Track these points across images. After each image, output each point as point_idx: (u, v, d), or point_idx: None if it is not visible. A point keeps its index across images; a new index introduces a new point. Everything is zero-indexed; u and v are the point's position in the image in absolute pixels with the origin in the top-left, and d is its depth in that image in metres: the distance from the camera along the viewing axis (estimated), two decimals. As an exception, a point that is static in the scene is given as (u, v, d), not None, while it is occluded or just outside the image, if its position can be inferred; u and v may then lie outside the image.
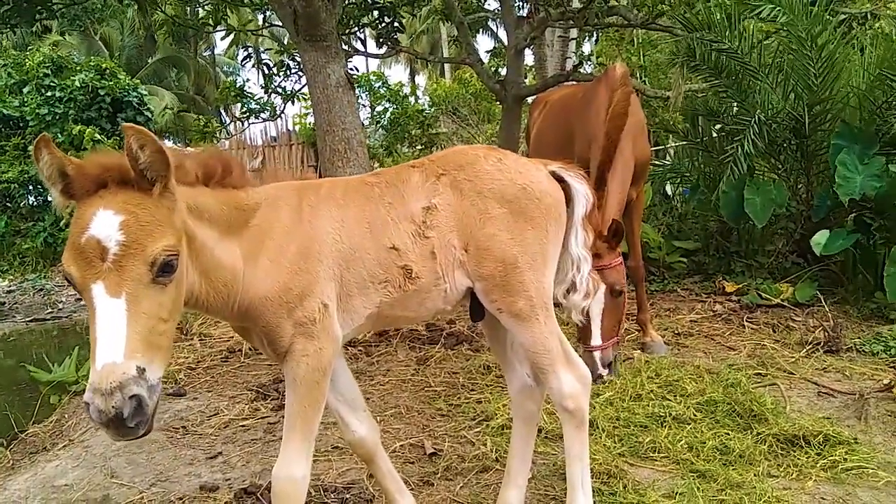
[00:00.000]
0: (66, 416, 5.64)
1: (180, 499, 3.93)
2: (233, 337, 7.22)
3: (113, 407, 1.87)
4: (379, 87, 19.99)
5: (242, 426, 4.93)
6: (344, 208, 2.77)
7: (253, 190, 2.70)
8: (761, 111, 7.42)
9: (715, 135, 8.89)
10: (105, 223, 2.01)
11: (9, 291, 16.38)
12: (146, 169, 2.09)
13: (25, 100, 18.53)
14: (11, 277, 17.37)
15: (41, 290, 16.41)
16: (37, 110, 18.00)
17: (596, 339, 4.45)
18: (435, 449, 4.31)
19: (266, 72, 14.55)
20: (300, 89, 14.03)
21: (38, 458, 4.91)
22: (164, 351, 2.10)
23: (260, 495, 3.84)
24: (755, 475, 3.68)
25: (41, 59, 18.73)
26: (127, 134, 2.03)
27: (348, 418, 3.01)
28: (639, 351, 5.82)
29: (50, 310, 14.79)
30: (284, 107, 14.61)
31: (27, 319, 14.11)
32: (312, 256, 2.63)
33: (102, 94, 18.28)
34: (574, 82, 9.40)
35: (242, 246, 2.56)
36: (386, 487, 3.14)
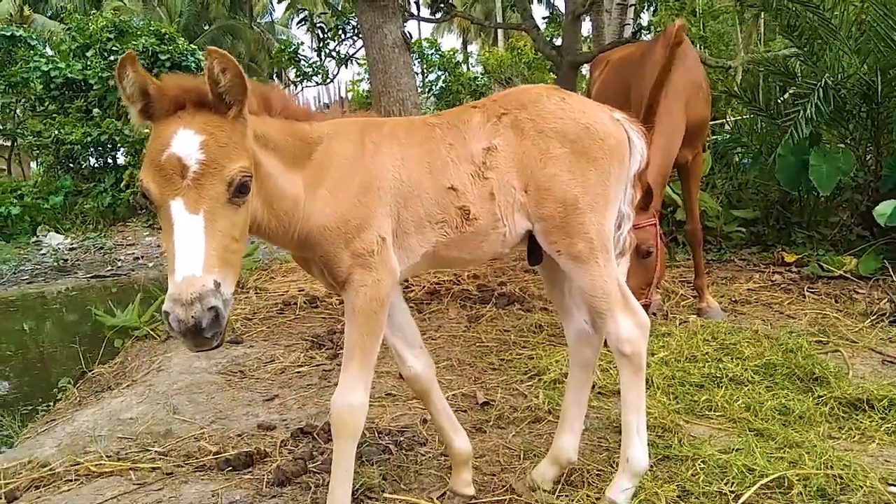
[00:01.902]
0: (130, 358, 5.85)
1: (239, 435, 4.05)
2: (287, 291, 7.37)
3: (193, 317, 1.95)
4: (431, 55, 19.89)
5: (298, 372, 5.04)
6: (405, 147, 2.77)
7: (317, 124, 2.73)
8: (830, 74, 7.14)
9: (780, 101, 8.59)
10: (186, 142, 2.06)
11: (71, 249, 17.03)
12: (225, 92, 2.13)
13: (89, 63, 19.02)
14: (74, 236, 18.04)
15: (101, 248, 17.03)
16: (100, 73, 18.48)
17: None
18: (487, 399, 4.34)
19: (321, 35, 14.63)
20: (354, 53, 14.09)
21: (103, 396, 5.11)
22: (235, 269, 2.16)
23: (316, 435, 3.93)
24: (815, 436, 3.60)
25: (104, 23, 19.20)
26: (210, 56, 2.07)
27: (405, 353, 3.04)
28: (694, 316, 5.73)
29: (109, 267, 15.36)
30: (338, 71, 14.69)
31: (88, 276, 14.67)
32: (372, 191, 2.65)
33: (163, 58, 18.64)
34: (634, 46, 9.18)
35: (304, 176, 2.58)
36: (440, 425, 3.17)
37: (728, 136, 9.98)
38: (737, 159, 9.66)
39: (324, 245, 2.61)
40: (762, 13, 7.79)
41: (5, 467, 3.81)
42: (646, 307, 4.69)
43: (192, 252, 2.01)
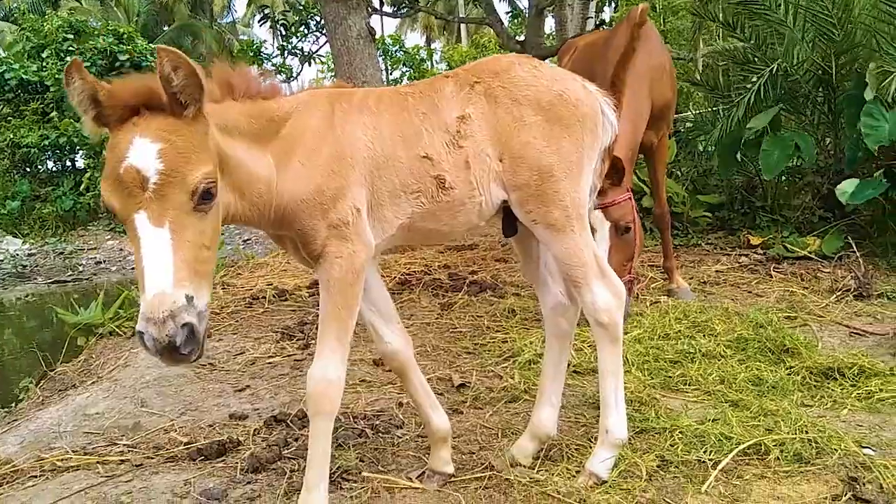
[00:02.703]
0: (94, 356, 5.69)
1: (210, 426, 3.95)
2: (255, 286, 7.25)
3: (167, 335, 1.90)
4: (396, 52, 19.84)
5: (269, 363, 4.95)
6: (377, 116, 2.72)
7: (284, 99, 2.66)
8: (783, 60, 7.27)
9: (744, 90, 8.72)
10: (143, 152, 1.97)
11: (30, 254, 16.58)
12: (179, 92, 2.03)
13: (45, 64, 18.56)
14: (32, 241, 17.56)
15: (61, 253, 16.62)
16: (56, 75, 18.00)
17: None
18: (463, 381, 4.31)
19: (283, 33, 14.49)
20: (317, 50, 13.99)
21: (67, 394, 4.96)
22: (208, 277, 2.10)
23: (289, 422, 3.85)
24: (789, 404, 3.64)
25: (60, 23, 18.73)
26: (160, 56, 1.97)
27: (382, 330, 2.99)
28: (665, 297, 5.77)
29: (70, 272, 14.99)
30: (302, 68, 14.56)
31: (48, 281, 14.30)
32: (345, 160, 2.60)
33: (122, 59, 18.27)
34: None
35: (275, 154, 2.52)
36: (419, 402, 3.12)
37: (691, 124, 10.09)
38: (700, 147, 9.79)
39: (300, 218, 2.55)
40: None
41: (-34, 466, 3.66)
42: (629, 284, 4.72)
43: (161, 267, 1.95)
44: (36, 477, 3.48)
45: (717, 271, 6.67)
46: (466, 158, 2.74)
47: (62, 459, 3.62)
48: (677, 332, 4.75)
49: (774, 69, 7.03)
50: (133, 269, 2.19)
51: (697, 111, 12.33)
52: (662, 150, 5.90)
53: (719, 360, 4.28)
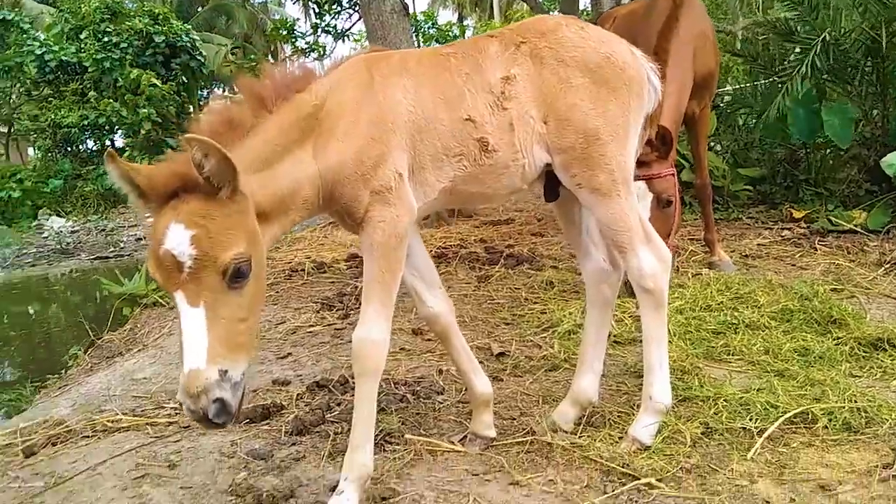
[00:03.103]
0: (139, 325, 5.82)
1: (254, 391, 4.02)
2: (294, 259, 7.33)
3: (200, 408, 2.09)
4: (428, 28, 19.71)
5: (310, 332, 5.01)
6: (417, 78, 2.70)
7: (317, 83, 2.64)
8: (832, 29, 7.05)
9: (786, 62, 8.50)
10: (177, 238, 2.09)
11: (73, 232, 16.94)
12: (212, 177, 2.13)
13: (83, 45, 18.83)
14: (75, 218, 17.96)
15: (103, 230, 16.95)
16: (94, 55, 18.28)
17: None
18: (502, 350, 4.31)
19: (316, 10, 14.48)
20: (350, 27, 13.96)
21: (115, 360, 5.09)
22: (246, 347, 2.24)
23: (332, 387, 3.90)
24: (837, 374, 3.57)
25: (97, 4, 18.94)
26: (189, 145, 2.07)
27: (424, 294, 3.00)
28: (706, 269, 5.69)
29: (112, 249, 15.27)
30: (335, 46, 14.56)
31: (91, 257, 14.59)
32: (385, 125, 2.59)
33: (157, 39, 18.45)
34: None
35: (317, 140, 2.55)
36: (461, 367, 3.14)
37: (730, 97, 9.87)
38: (741, 121, 9.58)
39: (343, 190, 2.57)
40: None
41: (22, 427, 3.79)
42: None
43: (196, 344, 2.11)
44: (88, 437, 3.59)
45: (758, 245, 6.54)
46: (510, 120, 2.72)
47: (113, 421, 3.72)
48: (719, 304, 4.68)
49: (825, 38, 6.81)
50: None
51: (736, 86, 12.07)
52: (704, 120, 5.79)
53: (763, 331, 4.22)
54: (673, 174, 4.61)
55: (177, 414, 3.78)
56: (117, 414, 3.81)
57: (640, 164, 4.58)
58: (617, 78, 2.76)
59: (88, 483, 3.06)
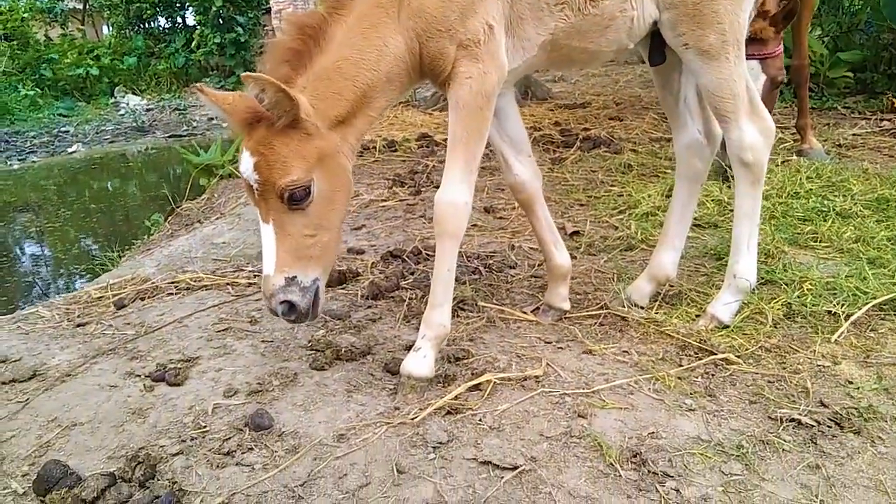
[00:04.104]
0: (216, 195, 5.96)
1: (329, 258, 4.09)
2: (365, 136, 7.29)
3: (272, 308, 2.40)
4: None
5: (383, 206, 5.03)
6: None
7: None
8: None
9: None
10: (246, 163, 2.34)
11: (148, 110, 17.27)
12: (272, 109, 2.24)
13: (154, -83, 18.46)
14: (150, 97, 18.25)
15: (176, 108, 17.21)
16: (163, -73, 17.90)
17: None
18: (576, 229, 4.24)
19: None
20: None
21: (194, 227, 5.25)
22: (317, 258, 2.45)
23: (405, 257, 3.93)
24: (934, 264, 3.38)
25: None
26: (247, 83, 2.17)
27: (511, 160, 2.92)
28: (795, 157, 5.40)
29: (185, 128, 15.53)
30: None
31: (166, 136, 14.91)
32: None
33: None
34: None
35: (402, 3, 2.40)
36: (542, 237, 3.09)
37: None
38: (845, 3, 8.80)
39: (429, 46, 2.44)
40: None
41: (112, 283, 3.98)
42: None
43: (267, 255, 2.39)
44: (172, 294, 3.75)
45: (853, 135, 6.14)
46: None
47: (195, 280, 3.86)
48: (808, 191, 4.45)
49: None
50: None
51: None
52: (807, -4, 5.32)
53: (856, 219, 4.01)
54: (782, 52, 4.31)
55: (255, 276, 3.90)
56: (199, 274, 3.95)
57: (755, 41, 4.29)
58: None
59: (176, 333, 3.21)
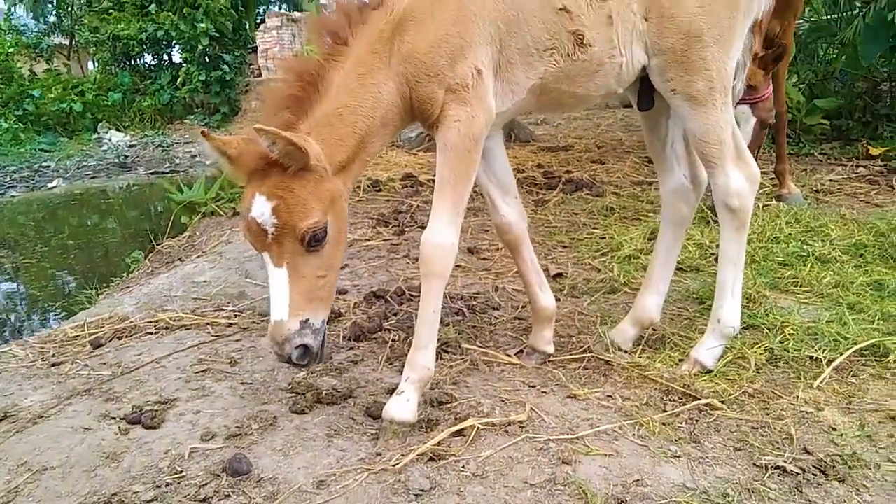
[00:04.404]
0: (198, 233, 5.93)
1: (311, 298, 4.05)
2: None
3: (284, 354, 2.37)
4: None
5: (366, 246, 5.02)
6: None
7: None
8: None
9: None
10: (260, 208, 2.30)
11: (131, 146, 17.24)
12: (284, 158, 2.27)
13: (144, -44, 18.68)
14: (133, 133, 18.25)
15: (160, 145, 17.20)
16: (154, -34, 18.12)
17: None
18: (559, 271, 4.25)
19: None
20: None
21: (175, 265, 5.20)
22: (325, 299, 2.48)
23: (388, 298, 3.91)
24: (913, 310, 3.42)
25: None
26: (259, 135, 2.18)
27: (498, 201, 2.93)
28: (774, 202, 5.47)
29: (168, 164, 15.50)
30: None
31: (148, 172, 14.86)
32: (465, 19, 2.45)
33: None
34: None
35: (396, 49, 2.45)
36: (527, 279, 3.09)
37: (811, 25, 9.29)
38: (820, 51, 9.05)
39: (419, 89, 2.48)
40: None
41: (88, 321, 3.92)
42: None
43: (280, 300, 2.36)
44: (151, 333, 3.69)
45: (830, 180, 6.26)
46: (609, 13, 2.56)
47: (175, 319, 3.81)
48: (788, 236, 4.50)
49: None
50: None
51: (814, 18, 11.37)
52: (787, 42, 5.44)
53: (834, 265, 4.05)
54: (771, 95, 4.44)
55: (236, 316, 3.86)
56: (179, 313, 3.90)
57: (749, 86, 4.40)
58: None
59: (153, 374, 3.15)
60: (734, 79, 2.89)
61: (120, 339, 3.67)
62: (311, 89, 2.43)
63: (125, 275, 5.76)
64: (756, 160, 4.51)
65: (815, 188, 6.01)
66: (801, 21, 10.21)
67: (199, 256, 5.19)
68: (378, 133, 2.54)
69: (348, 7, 2.52)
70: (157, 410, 2.72)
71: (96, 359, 3.40)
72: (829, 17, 9.25)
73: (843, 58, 8.02)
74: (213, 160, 2.48)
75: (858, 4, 7.39)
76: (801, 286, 3.84)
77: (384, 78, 2.47)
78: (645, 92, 2.80)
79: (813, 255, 4.18)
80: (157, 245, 5.85)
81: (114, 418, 2.72)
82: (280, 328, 2.34)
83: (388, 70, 2.47)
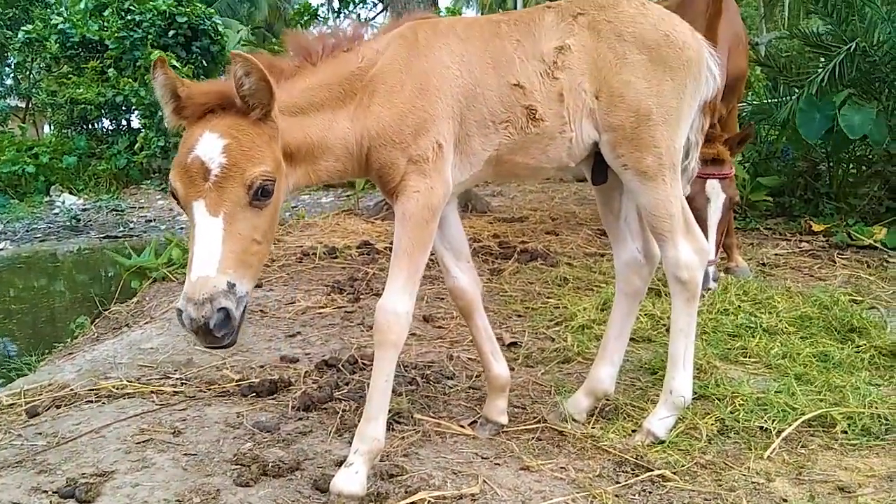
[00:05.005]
0: (148, 298, 5.78)
1: (261, 366, 3.97)
2: (306, 243, 7.28)
3: (203, 316, 2.03)
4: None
5: (319, 313, 4.96)
6: (465, 42, 2.66)
7: (365, 45, 2.64)
8: (862, 39, 6.94)
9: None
10: (209, 145, 2.12)
11: (84, 209, 16.95)
12: (249, 96, 2.16)
13: (105, 23, 18.85)
14: (87, 196, 17.96)
15: (114, 210, 16.95)
16: (116, 34, 18.28)
17: (712, 253, 4.35)
18: (514, 340, 4.25)
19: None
20: (374, 18, 13.93)
21: (122, 331, 5.05)
22: (254, 269, 2.24)
23: (340, 367, 3.84)
24: (857, 381, 3.49)
25: (121, -17, 18.93)
26: (234, 61, 2.10)
27: (451, 266, 2.95)
28: (722, 274, 5.61)
29: (122, 228, 15.26)
30: (358, 36, 14.54)
31: (100, 236, 14.59)
32: (429, 93, 2.55)
33: (180, 21, 18.44)
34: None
35: (359, 103, 2.53)
36: (481, 347, 3.08)
37: (753, 108, 9.76)
38: (763, 132, 9.48)
39: (380, 156, 2.54)
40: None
41: (26, 389, 3.75)
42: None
43: (209, 253, 2.09)
44: (92, 402, 3.54)
45: (776, 254, 6.47)
46: (561, 91, 2.66)
47: (118, 387, 3.67)
48: (737, 308, 4.61)
49: (852, 48, 6.72)
50: (182, 228, 2.43)
51: (756, 101, 11.97)
52: (732, 123, 5.74)
53: (781, 336, 4.14)
54: (734, 173, 4.71)
55: (183, 384, 3.74)
56: (122, 381, 3.76)
57: (715, 161, 4.63)
58: (675, 57, 2.69)
59: (91, 445, 3.01)
60: (688, 157, 3.01)
61: (58, 407, 3.51)
62: (274, 76, 2.33)
63: (69, 340, 5.55)
64: (730, 237, 4.74)
65: (761, 261, 6.19)
66: (743, 104, 10.75)
67: (147, 322, 5.05)
68: (327, 157, 2.52)
69: (326, 39, 2.60)
70: (92, 484, 2.59)
71: (31, 428, 3.24)
72: (769, 100, 9.76)
73: (784, 139, 8.40)
74: (159, 97, 2.27)
75: (797, 90, 7.82)
76: (749, 357, 3.92)
77: (344, 116, 2.53)
78: (598, 166, 2.88)
79: (761, 326, 4.27)
80: (105, 310, 5.67)
81: (45, 492, 2.57)
82: (204, 284, 2.05)
83: (348, 113, 2.53)
